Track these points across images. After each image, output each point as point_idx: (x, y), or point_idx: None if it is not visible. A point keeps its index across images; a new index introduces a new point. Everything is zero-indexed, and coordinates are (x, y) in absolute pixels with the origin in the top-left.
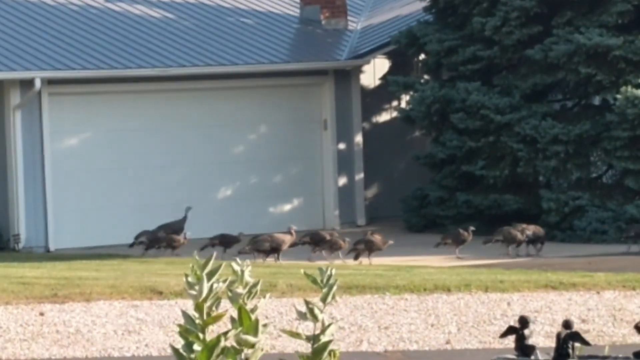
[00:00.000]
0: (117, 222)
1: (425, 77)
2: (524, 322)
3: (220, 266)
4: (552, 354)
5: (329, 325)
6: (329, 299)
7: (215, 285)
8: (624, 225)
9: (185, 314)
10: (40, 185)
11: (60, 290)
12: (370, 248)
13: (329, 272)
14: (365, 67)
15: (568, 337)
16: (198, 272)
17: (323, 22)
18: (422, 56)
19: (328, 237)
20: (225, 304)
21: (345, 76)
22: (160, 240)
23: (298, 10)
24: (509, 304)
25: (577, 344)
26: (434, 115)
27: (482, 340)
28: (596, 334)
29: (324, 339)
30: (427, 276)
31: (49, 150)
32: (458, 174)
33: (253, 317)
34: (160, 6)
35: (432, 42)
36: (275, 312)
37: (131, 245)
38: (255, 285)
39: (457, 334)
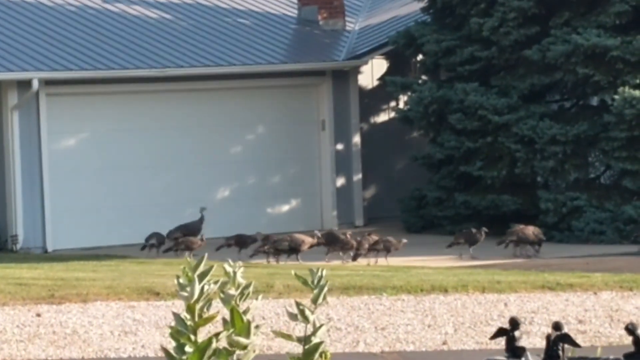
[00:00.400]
0: (116, 222)
1: (423, 77)
2: (514, 323)
3: (211, 267)
4: (542, 355)
5: (320, 326)
6: (320, 300)
7: (206, 287)
8: (622, 226)
9: (176, 316)
10: (37, 186)
11: (57, 291)
12: (388, 248)
13: (319, 274)
14: (363, 68)
15: (558, 339)
16: (189, 274)
17: (321, 23)
18: (419, 57)
19: (342, 238)
20: (218, 307)
21: (343, 77)
22: (178, 242)
23: (296, 11)
24: (506, 304)
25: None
26: (431, 115)
27: (479, 341)
28: (593, 334)
29: (315, 340)
30: (424, 277)
31: (46, 151)
32: (456, 175)
33: (245, 318)
34: (157, 7)
35: (430, 43)
36: (272, 312)
37: (142, 248)
38: (247, 286)
39: (453, 335)
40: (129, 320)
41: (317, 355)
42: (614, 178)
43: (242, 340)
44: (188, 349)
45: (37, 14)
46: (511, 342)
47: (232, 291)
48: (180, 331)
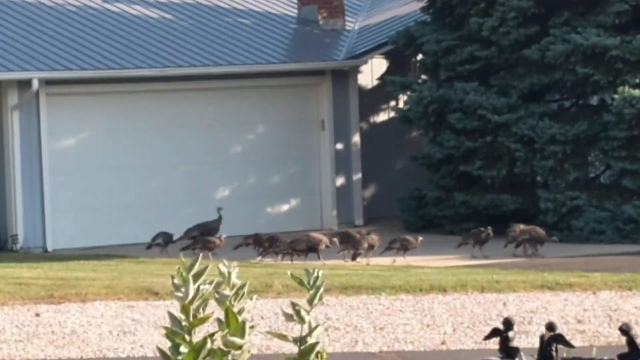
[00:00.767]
0: (116, 222)
1: (423, 77)
2: (508, 324)
3: (206, 267)
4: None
5: (316, 327)
6: (316, 300)
7: (201, 287)
8: (622, 226)
9: (171, 316)
10: (37, 186)
11: (57, 290)
12: (406, 247)
13: (315, 274)
14: (363, 67)
15: (551, 339)
16: (184, 274)
17: (321, 23)
18: (419, 56)
19: (358, 236)
20: (214, 307)
21: (343, 76)
22: (197, 241)
23: (296, 11)
24: (504, 304)
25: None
26: (431, 115)
27: (478, 340)
28: (592, 334)
29: (310, 340)
30: (423, 276)
31: (46, 150)
32: (455, 174)
33: (240, 318)
34: (157, 7)
35: (430, 43)
36: (271, 312)
37: (148, 247)
38: (242, 287)
39: (452, 335)
40: (128, 320)
41: (312, 355)
42: (613, 177)
43: (237, 340)
44: (183, 349)
45: (37, 13)
46: (505, 342)
47: (227, 291)
48: (176, 331)
